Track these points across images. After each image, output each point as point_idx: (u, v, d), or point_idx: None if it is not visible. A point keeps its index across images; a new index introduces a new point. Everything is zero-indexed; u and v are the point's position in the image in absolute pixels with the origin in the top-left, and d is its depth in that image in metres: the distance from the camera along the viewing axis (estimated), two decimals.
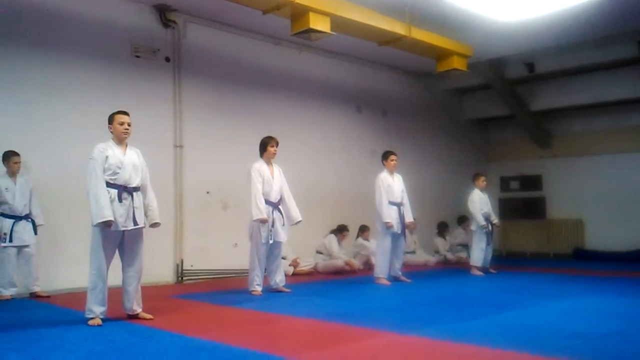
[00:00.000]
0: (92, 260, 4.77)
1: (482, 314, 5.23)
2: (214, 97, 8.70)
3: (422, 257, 10.80)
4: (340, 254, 9.24)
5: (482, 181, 9.06)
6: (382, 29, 7.94)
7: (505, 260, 10.93)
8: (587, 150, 12.29)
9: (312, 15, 7.01)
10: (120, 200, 4.80)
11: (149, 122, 7.94)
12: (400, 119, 11.76)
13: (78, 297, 5.63)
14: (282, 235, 6.70)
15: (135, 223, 4.89)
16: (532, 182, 12.44)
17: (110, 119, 5.00)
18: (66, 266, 6.86)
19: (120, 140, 4.98)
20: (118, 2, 7.79)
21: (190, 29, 8.46)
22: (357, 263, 9.41)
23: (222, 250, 8.44)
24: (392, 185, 7.67)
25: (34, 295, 6.48)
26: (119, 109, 5.06)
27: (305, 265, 9.03)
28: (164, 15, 8.14)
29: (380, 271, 7.58)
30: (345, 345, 3.98)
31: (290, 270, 8.67)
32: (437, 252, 11.27)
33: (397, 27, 8.09)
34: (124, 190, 4.86)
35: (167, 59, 8.21)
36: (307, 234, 9.31)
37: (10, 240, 6.32)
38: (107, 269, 4.84)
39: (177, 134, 8.20)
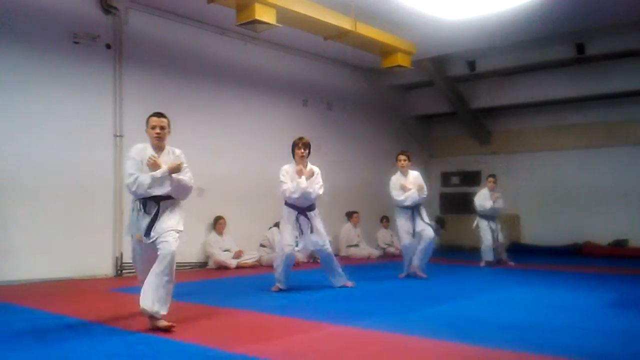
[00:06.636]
0: None
1: (421, 306, 5.35)
2: (156, 86, 8.47)
3: (366, 250, 10.93)
4: None
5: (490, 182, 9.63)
6: (328, 23, 7.95)
7: (445, 254, 11.16)
8: (525, 147, 12.75)
9: (257, 6, 6.93)
10: None
11: (88, 111, 7.69)
12: (345, 113, 11.84)
13: None
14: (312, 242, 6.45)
15: None
16: (472, 177, 12.77)
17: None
18: None
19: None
20: None
21: (132, 16, 8.22)
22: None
23: None
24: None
25: None
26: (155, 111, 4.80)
27: (249, 258, 8.97)
28: (105, 0, 7.88)
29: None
30: (287, 337, 3.99)
31: (234, 262, 8.63)
32: (379, 245, 11.42)
33: (343, 22, 8.11)
34: None
35: (108, 46, 7.95)
36: (253, 227, 9.26)
37: None
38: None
39: (117, 123, 7.95)
